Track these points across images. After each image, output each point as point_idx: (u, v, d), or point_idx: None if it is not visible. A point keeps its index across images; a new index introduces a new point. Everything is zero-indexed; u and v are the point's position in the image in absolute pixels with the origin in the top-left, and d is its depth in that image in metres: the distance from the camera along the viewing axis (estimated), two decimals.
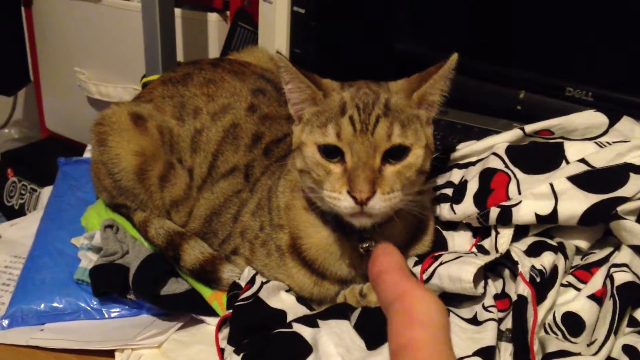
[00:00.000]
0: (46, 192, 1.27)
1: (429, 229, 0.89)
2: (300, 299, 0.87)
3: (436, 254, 0.86)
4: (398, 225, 0.83)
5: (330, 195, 0.75)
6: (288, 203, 0.87)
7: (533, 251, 0.82)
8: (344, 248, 0.84)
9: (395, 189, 0.74)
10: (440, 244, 0.90)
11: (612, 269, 0.78)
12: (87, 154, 1.35)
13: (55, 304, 0.96)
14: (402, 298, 0.48)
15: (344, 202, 0.73)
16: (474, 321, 0.78)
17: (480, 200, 0.85)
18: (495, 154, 0.87)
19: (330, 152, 0.76)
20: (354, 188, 0.72)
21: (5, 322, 0.95)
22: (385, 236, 0.83)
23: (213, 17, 1.55)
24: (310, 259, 0.86)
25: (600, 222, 0.82)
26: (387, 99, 0.77)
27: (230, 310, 0.84)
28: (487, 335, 0.74)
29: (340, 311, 0.80)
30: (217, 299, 0.91)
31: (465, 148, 0.93)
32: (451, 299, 0.82)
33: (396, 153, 0.75)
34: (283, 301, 0.86)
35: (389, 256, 0.53)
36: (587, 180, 0.80)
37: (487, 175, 0.86)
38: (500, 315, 0.78)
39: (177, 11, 1.48)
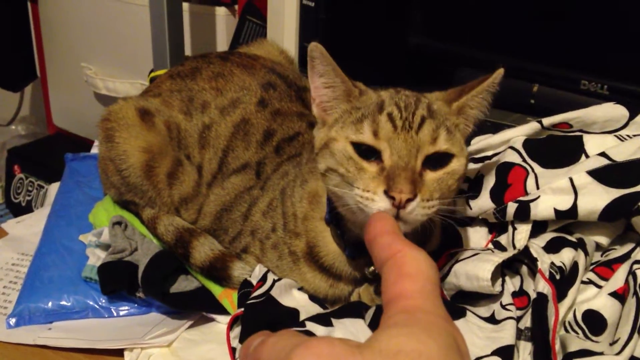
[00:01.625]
0: (53, 188, 1.26)
1: (435, 228, 0.87)
2: (313, 297, 0.86)
3: (452, 251, 0.84)
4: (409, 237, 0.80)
5: (363, 195, 0.68)
6: (306, 214, 0.84)
7: (552, 247, 0.80)
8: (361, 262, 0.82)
9: (435, 197, 0.69)
10: (455, 240, 0.88)
11: (635, 266, 0.75)
12: (94, 150, 1.34)
13: (63, 302, 0.95)
14: (394, 256, 0.49)
15: (378, 203, 0.67)
16: (492, 320, 0.76)
17: (497, 195, 0.84)
18: (512, 147, 0.85)
19: (364, 152, 0.70)
20: (393, 187, 0.66)
21: (13, 321, 0.93)
22: None
23: (221, 11, 1.53)
24: (327, 265, 0.84)
25: (621, 218, 0.80)
26: (429, 103, 0.72)
27: (242, 309, 0.82)
28: (505, 334, 0.72)
29: (354, 310, 0.78)
30: (227, 297, 0.89)
31: (481, 142, 0.91)
32: (468, 297, 0.80)
33: (436, 161, 0.70)
34: (295, 299, 0.84)
35: (383, 221, 0.54)
36: (607, 174, 0.78)
37: (504, 170, 0.84)
38: (519, 313, 0.76)
39: (185, 5, 1.47)
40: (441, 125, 0.70)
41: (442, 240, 0.86)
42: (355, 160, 0.70)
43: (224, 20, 1.54)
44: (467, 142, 0.79)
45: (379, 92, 0.75)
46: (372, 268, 0.80)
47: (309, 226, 0.84)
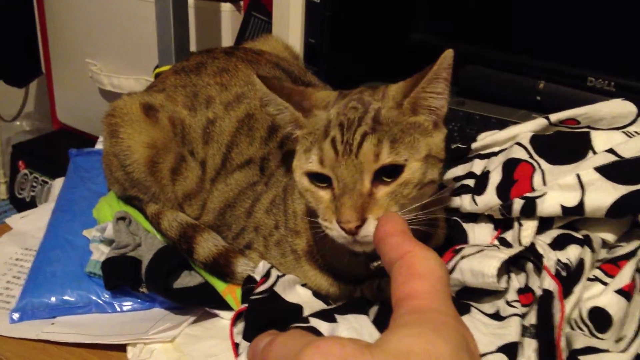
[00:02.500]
0: (57, 183, 1.26)
1: (440, 222, 0.86)
2: (317, 294, 0.85)
3: (457, 247, 0.83)
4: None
5: (324, 225, 0.71)
6: (305, 210, 0.85)
7: (558, 244, 0.79)
8: (361, 260, 0.81)
9: (392, 211, 0.69)
10: (460, 237, 0.87)
11: None
12: (98, 146, 1.34)
13: (66, 297, 0.95)
14: (404, 256, 0.49)
15: (335, 232, 0.69)
16: (497, 316, 0.75)
17: (503, 191, 0.83)
18: (519, 143, 0.85)
19: (318, 178, 0.71)
20: (340, 218, 0.68)
21: (16, 316, 0.93)
22: None
23: (226, 7, 1.53)
24: (327, 263, 0.84)
25: (628, 215, 0.79)
26: (377, 112, 0.70)
27: (246, 305, 0.82)
28: (510, 331, 0.72)
29: (358, 306, 0.78)
30: (231, 293, 0.89)
31: (487, 138, 0.90)
32: (472, 294, 0.79)
33: (389, 173, 0.69)
34: (299, 295, 0.84)
35: (392, 222, 0.54)
36: (615, 170, 0.77)
37: (510, 166, 0.84)
38: (524, 310, 0.75)
39: (191, 1, 1.46)
40: (385, 136, 0.69)
41: (447, 236, 0.86)
42: (312, 191, 0.72)
43: (229, 16, 1.54)
44: (451, 115, 0.77)
45: (329, 110, 0.73)
46: (377, 262, 0.79)
47: (309, 224, 0.84)
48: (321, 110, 0.74)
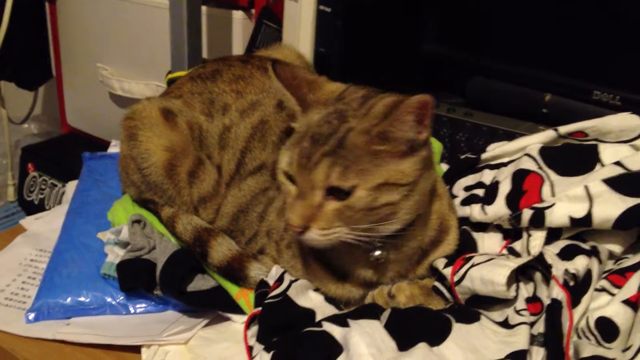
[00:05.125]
0: (71, 186, 1.27)
1: (451, 229, 0.88)
2: (329, 299, 0.87)
3: (467, 255, 0.85)
4: (414, 232, 0.82)
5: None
6: None
7: (566, 254, 0.81)
8: (360, 252, 0.83)
9: (335, 226, 0.74)
10: (470, 246, 0.89)
11: None
12: (111, 149, 1.35)
13: (81, 298, 0.96)
14: None
15: (287, 226, 0.76)
16: (506, 324, 0.77)
17: (513, 201, 0.85)
18: (528, 155, 0.87)
19: (289, 177, 0.77)
20: (288, 219, 0.76)
21: (32, 316, 0.94)
22: (398, 245, 0.82)
23: (238, 15, 1.54)
24: (332, 262, 0.85)
25: (635, 227, 0.81)
26: (345, 133, 0.74)
27: (259, 308, 0.83)
28: (519, 339, 0.73)
29: (370, 311, 0.79)
30: (244, 297, 0.91)
31: (496, 149, 0.92)
32: (482, 302, 0.81)
33: (340, 191, 0.73)
34: (312, 300, 0.86)
35: None
36: (623, 183, 0.79)
37: (519, 177, 0.85)
38: (532, 319, 0.77)
39: (203, 8, 1.48)
40: (339, 161, 0.73)
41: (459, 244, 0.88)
42: (285, 184, 0.78)
43: (240, 24, 1.55)
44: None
45: (314, 114, 0.78)
46: (377, 252, 0.81)
47: None
48: (315, 110, 0.79)
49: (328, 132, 0.75)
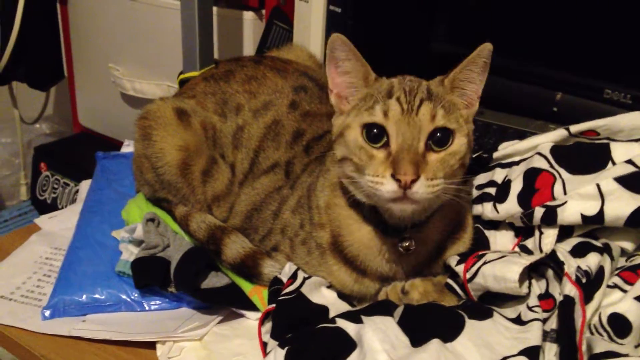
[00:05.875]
0: (84, 185, 1.29)
1: (468, 227, 0.89)
2: (342, 295, 0.88)
3: (479, 252, 0.85)
4: (436, 224, 0.84)
5: (373, 180, 0.75)
6: (328, 202, 0.88)
7: (578, 252, 0.81)
8: (384, 245, 0.84)
9: (438, 176, 0.75)
10: (482, 243, 0.90)
11: None
12: (124, 149, 1.37)
13: (96, 296, 0.97)
14: None
15: (386, 186, 0.74)
16: (518, 321, 0.78)
17: (525, 199, 0.85)
18: (539, 153, 0.87)
19: (375, 137, 0.77)
20: (398, 170, 0.73)
21: (47, 313, 0.96)
22: (423, 236, 0.84)
23: (249, 16, 1.55)
24: (351, 256, 0.86)
25: None
26: (428, 87, 0.80)
27: (273, 305, 0.84)
28: (532, 335, 0.74)
29: (383, 308, 0.80)
30: (257, 294, 0.92)
31: (508, 147, 0.93)
32: (495, 298, 0.81)
33: (440, 140, 0.76)
34: (325, 297, 0.87)
35: None
36: (634, 181, 0.79)
37: (531, 175, 0.86)
38: (545, 315, 0.78)
39: (214, 9, 1.49)
40: (438, 104, 0.77)
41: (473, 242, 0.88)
42: (365, 149, 0.77)
43: (251, 24, 1.56)
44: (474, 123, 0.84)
45: (390, 80, 0.82)
46: (406, 243, 0.83)
47: (332, 214, 0.87)
48: (381, 80, 0.83)
49: (415, 86, 0.79)
